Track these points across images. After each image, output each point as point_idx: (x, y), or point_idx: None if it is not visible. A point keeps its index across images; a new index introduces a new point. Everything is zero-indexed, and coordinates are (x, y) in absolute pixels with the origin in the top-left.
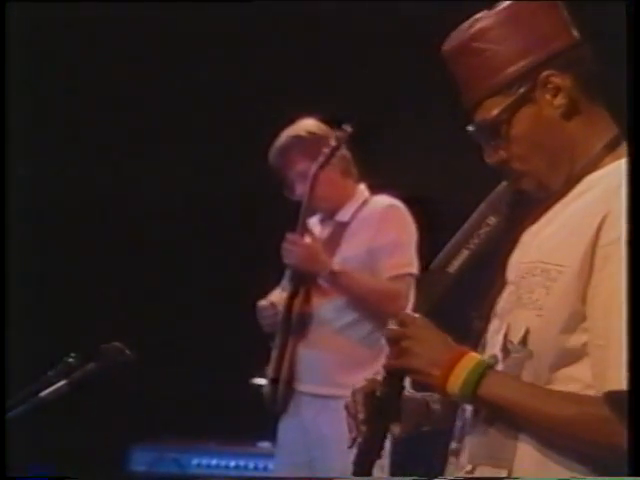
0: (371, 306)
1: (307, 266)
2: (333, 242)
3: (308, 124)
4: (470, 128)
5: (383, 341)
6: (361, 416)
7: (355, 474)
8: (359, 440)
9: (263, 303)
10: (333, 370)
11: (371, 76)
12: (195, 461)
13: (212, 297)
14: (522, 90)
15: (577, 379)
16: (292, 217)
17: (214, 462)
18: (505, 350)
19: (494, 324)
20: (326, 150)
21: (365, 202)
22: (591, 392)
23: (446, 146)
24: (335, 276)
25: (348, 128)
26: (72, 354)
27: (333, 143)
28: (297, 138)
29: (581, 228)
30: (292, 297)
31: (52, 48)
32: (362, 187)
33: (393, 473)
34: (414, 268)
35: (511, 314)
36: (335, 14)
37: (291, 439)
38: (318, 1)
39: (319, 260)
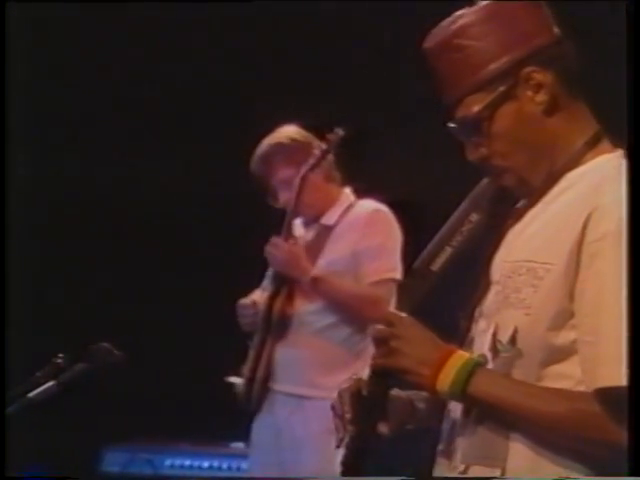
0: (351, 311)
1: (288, 270)
2: (317, 245)
3: (290, 131)
4: (451, 125)
5: (362, 344)
6: (348, 416)
7: (343, 474)
8: (346, 440)
9: (244, 301)
10: (310, 371)
11: (355, 80)
12: (168, 462)
13: (187, 297)
14: (504, 87)
15: (568, 376)
16: (277, 219)
17: (187, 463)
18: (494, 350)
19: (481, 324)
20: (317, 152)
21: (350, 206)
22: (582, 389)
23: (431, 149)
24: (315, 282)
25: (340, 131)
26: (60, 355)
27: (324, 146)
28: (279, 146)
29: (566, 225)
30: (273, 296)
31: (52, 48)
32: (347, 191)
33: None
34: (398, 273)
35: (499, 314)
36: (318, 20)
37: (264, 439)
38: (308, 2)
39: (300, 265)
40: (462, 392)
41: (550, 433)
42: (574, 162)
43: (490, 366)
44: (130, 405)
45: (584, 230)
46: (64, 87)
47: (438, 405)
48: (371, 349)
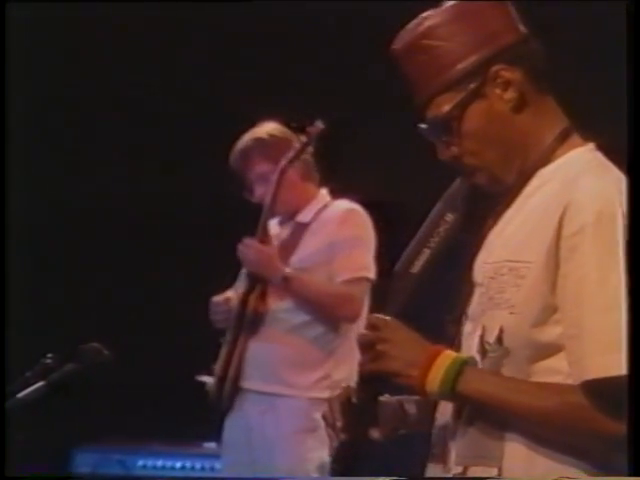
0: (323, 310)
1: (260, 270)
2: (292, 243)
3: (270, 127)
4: (421, 126)
5: (335, 343)
6: (339, 424)
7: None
8: (340, 448)
9: (216, 299)
10: (282, 369)
11: (334, 79)
12: (140, 462)
13: (158, 296)
14: (472, 85)
15: (558, 371)
16: (252, 215)
17: (159, 463)
18: (482, 352)
19: (467, 327)
20: (297, 145)
21: (326, 205)
22: (571, 382)
23: (407, 149)
24: (287, 281)
25: (320, 124)
26: (49, 355)
27: (304, 139)
28: (258, 141)
29: (543, 222)
30: (247, 294)
31: (52, 48)
32: (324, 191)
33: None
34: (370, 272)
35: (484, 315)
36: (302, 16)
37: (236, 438)
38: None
39: (272, 265)
40: (451, 391)
41: (541, 427)
42: (546, 158)
43: (479, 367)
44: (101, 405)
45: (560, 225)
46: (64, 87)
47: (429, 409)
48: (343, 348)
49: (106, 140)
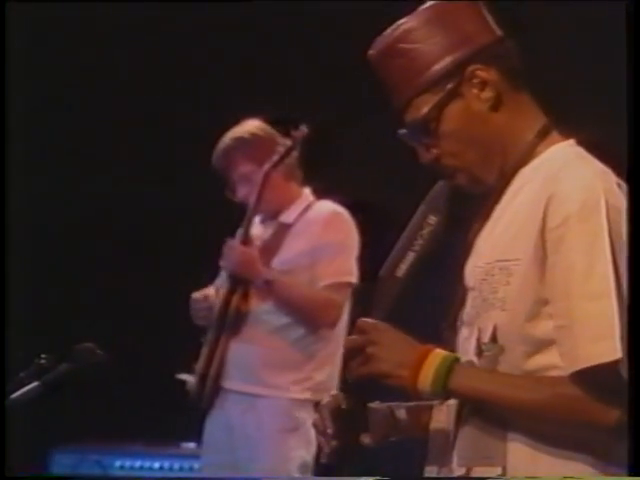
0: (305, 315)
1: (242, 273)
2: (274, 243)
3: (252, 126)
4: (401, 131)
5: (316, 345)
6: (330, 431)
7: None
8: (331, 455)
9: (197, 296)
10: (263, 369)
11: (319, 79)
12: (118, 463)
13: (138, 296)
14: (449, 86)
15: (554, 366)
16: (234, 214)
17: (138, 464)
18: (479, 353)
19: (464, 332)
20: (281, 149)
21: (309, 206)
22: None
23: (390, 151)
24: (269, 285)
25: (304, 128)
26: (43, 355)
27: (288, 143)
28: (239, 140)
29: (528, 219)
30: (230, 293)
31: (52, 48)
32: (307, 191)
33: None
34: (353, 277)
35: (479, 318)
36: (286, 14)
37: (217, 438)
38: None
39: (254, 268)
40: (443, 389)
41: (535, 421)
42: (527, 156)
43: None
44: (79, 405)
45: (545, 217)
46: (64, 87)
47: (420, 416)
48: (324, 351)
49: (106, 140)
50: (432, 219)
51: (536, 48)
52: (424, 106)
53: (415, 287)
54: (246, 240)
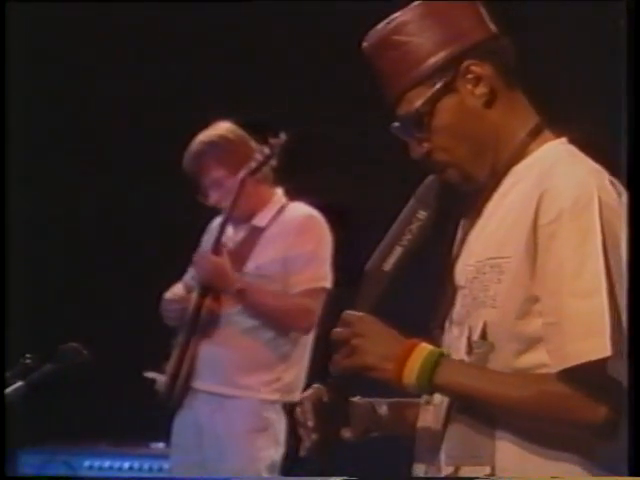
0: (277, 322)
1: (213, 282)
2: (247, 247)
3: (222, 129)
4: (394, 125)
5: (287, 347)
6: (310, 424)
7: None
8: (311, 448)
9: (169, 296)
10: (233, 370)
11: (291, 80)
12: (87, 463)
13: (106, 295)
14: (443, 80)
15: (545, 364)
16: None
17: (107, 464)
18: (469, 351)
19: (454, 332)
20: (259, 157)
21: (282, 208)
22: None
23: (364, 153)
24: (241, 293)
25: (283, 136)
26: (28, 355)
27: (267, 150)
28: (210, 144)
29: (520, 216)
30: (202, 296)
31: (52, 48)
32: (279, 192)
33: None
34: (328, 282)
35: (470, 317)
36: (254, 15)
37: (186, 438)
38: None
39: (226, 278)
40: (429, 383)
41: (520, 418)
42: (519, 154)
43: None
44: (46, 405)
45: (537, 213)
46: (64, 87)
47: (403, 412)
48: (295, 352)
49: (106, 140)
50: (422, 214)
51: (529, 47)
52: (417, 100)
53: (402, 282)
54: (218, 247)
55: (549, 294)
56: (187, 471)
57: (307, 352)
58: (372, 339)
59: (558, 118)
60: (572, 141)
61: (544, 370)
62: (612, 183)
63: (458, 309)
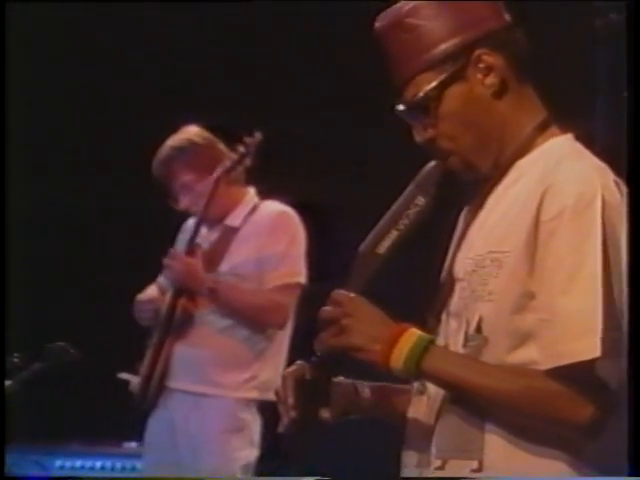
0: (251, 319)
1: (185, 283)
2: (221, 247)
3: (190, 133)
4: (399, 107)
5: (262, 344)
6: (291, 401)
7: (286, 458)
8: (288, 425)
9: (142, 297)
10: (209, 369)
11: (262, 80)
12: (58, 463)
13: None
14: (454, 67)
15: (535, 361)
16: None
17: (78, 464)
18: (465, 344)
19: (451, 325)
20: (234, 156)
21: (255, 207)
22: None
23: (337, 151)
24: (213, 293)
25: (258, 135)
26: (16, 354)
27: (242, 149)
28: (178, 149)
29: (523, 211)
30: (176, 297)
31: (52, 48)
32: (251, 191)
33: None
34: (302, 278)
35: (467, 310)
36: (222, 15)
37: (160, 438)
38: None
39: (197, 279)
40: (416, 368)
41: (505, 411)
42: (524, 148)
43: None
44: (16, 403)
45: (539, 209)
46: (64, 87)
47: (386, 397)
48: (271, 350)
49: (105, 140)
50: (420, 200)
51: (541, 42)
52: (426, 84)
53: (395, 266)
54: (192, 248)
55: (544, 291)
56: (161, 471)
57: (283, 349)
58: (362, 320)
59: (564, 114)
60: (578, 138)
61: (536, 366)
62: (616, 183)
63: (456, 301)
